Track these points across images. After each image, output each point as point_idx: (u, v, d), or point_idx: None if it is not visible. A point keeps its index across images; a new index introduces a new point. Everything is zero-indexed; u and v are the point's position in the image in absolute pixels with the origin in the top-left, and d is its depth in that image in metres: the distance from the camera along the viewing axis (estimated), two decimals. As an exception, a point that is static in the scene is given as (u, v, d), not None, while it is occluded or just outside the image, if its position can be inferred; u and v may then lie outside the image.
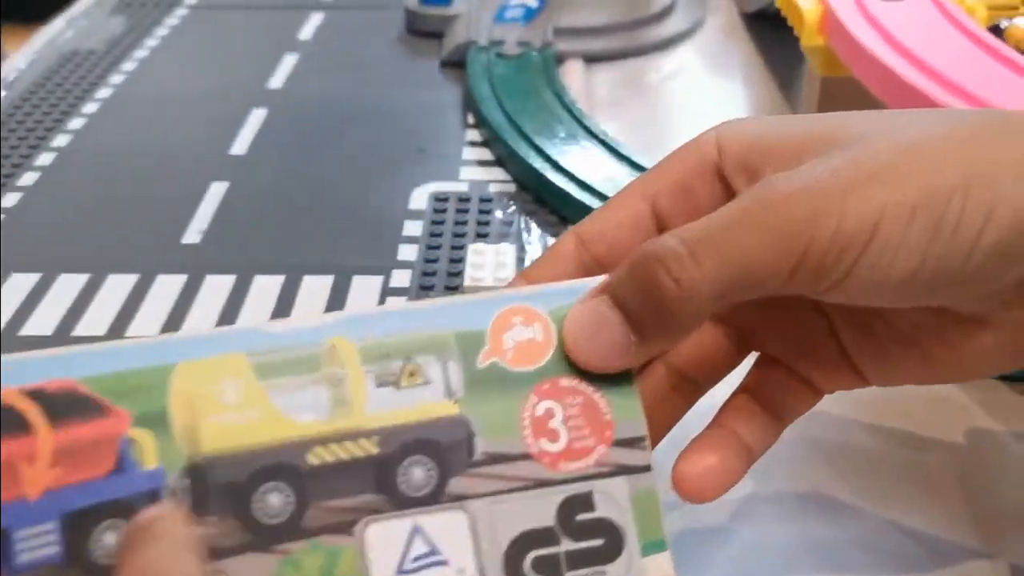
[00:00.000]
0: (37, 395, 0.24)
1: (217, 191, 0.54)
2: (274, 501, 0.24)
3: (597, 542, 0.25)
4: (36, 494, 0.24)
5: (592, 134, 0.54)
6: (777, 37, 0.66)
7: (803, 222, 0.23)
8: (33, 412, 0.24)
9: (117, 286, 0.47)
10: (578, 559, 0.24)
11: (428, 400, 0.25)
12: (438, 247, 0.49)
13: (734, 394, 0.30)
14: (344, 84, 0.67)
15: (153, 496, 0.24)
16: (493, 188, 0.54)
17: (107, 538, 0.24)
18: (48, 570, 0.23)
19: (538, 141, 0.54)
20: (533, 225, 0.50)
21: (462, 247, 0.48)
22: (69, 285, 0.47)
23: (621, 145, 0.53)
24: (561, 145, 0.53)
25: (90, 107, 0.64)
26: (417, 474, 0.25)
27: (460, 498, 0.25)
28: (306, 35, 0.74)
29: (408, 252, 0.49)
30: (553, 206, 0.51)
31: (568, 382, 0.26)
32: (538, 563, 0.24)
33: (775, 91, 0.64)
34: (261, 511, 0.24)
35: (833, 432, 0.37)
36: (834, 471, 0.35)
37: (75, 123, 0.62)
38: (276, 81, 0.67)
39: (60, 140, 0.60)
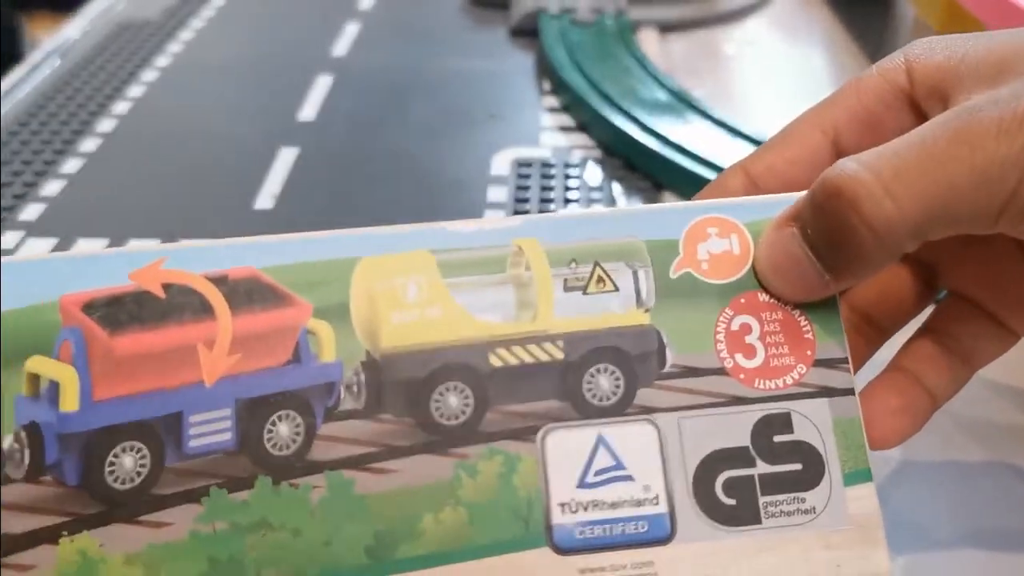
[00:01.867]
0: (220, 281, 0.23)
1: (287, 157, 0.53)
2: (453, 402, 0.23)
3: (795, 467, 0.23)
4: (213, 380, 0.23)
5: (680, 98, 0.53)
6: (857, 5, 0.65)
7: (1014, 157, 0.21)
8: (216, 297, 0.23)
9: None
10: (774, 484, 0.23)
11: (617, 308, 0.24)
12: (526, 213, 0.47)
13: (916, 335, 0.28)
14: (410, 53, 0.65)
15: (329, 389, 0.23)
16: (577, 154, 0.52)
17: (281, 429, 0.22)
18: (219, 456, 0.22)
19: (624, 105, 0.52)
20: (622, 190, 0.49)
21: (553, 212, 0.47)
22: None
23: (711, 108, 0.51)
24: (649, 109, 0.52)
25: (150, 75, 0.62)
26: (604, 383, 0.24)
27: (648, 411, 0.23)
28: (366, 5, 0.73)
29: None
30: (645, 170, 0.50)
31: (766, 297, 0.24)
32: (730, 485, 0.23)
33: (861, 58, 0.63)
34: (439, 411, 0.23)
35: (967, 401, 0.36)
36: (970, 437, 0.34)
37: (135, 91, 0.60)
38: (340, 49, 0.66)
39: (120, 107, 0.58)
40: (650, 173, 0.49)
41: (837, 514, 0.23)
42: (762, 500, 0.23)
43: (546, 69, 0.60)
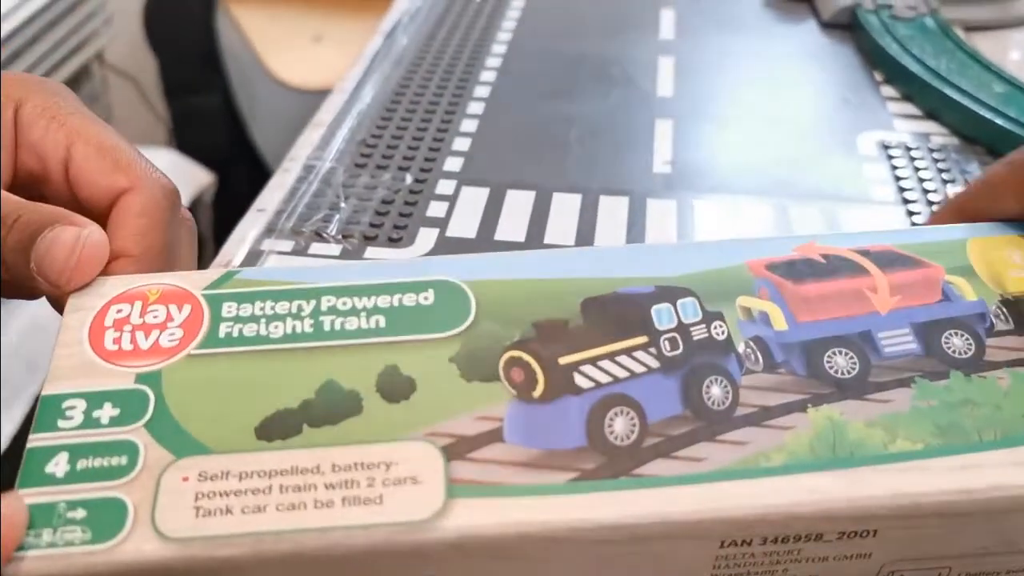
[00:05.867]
0: (864, 252, 0.33)
1: (664, 128, 0.61)
2: None
3: None
4: (885, 310, 0.31)
5: (1026, 90, 0.58)
6: None
7: None
8: (866, 262, 0.32)
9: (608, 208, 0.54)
10: None
11: None
12: (909, 189, 0.54)
13: None
14: (730, 39, 0.72)
15: (982, 317, 0.31)
16: (935, 140, 0.58)
17: (954, 341, 0.30)
18: (908, 360, 0.30)
19: (981, 95, 0.58)
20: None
21: (934, 191, 0.53)
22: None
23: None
24: (1005, 99, 0.58)
25: (498, 48, 0.71)
26: None
27: None
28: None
29: (882, 193, 0.54)
30: (1010, 156, 0.55)
31: None
32: None
33: None
34: None
35: None
36: None
37: (490, 66, 0.68)
38: (666, 33, 0.73)
39: (486, 75, 0.67)
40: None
41: None
42: None
43: (877, 60, 0.66)
